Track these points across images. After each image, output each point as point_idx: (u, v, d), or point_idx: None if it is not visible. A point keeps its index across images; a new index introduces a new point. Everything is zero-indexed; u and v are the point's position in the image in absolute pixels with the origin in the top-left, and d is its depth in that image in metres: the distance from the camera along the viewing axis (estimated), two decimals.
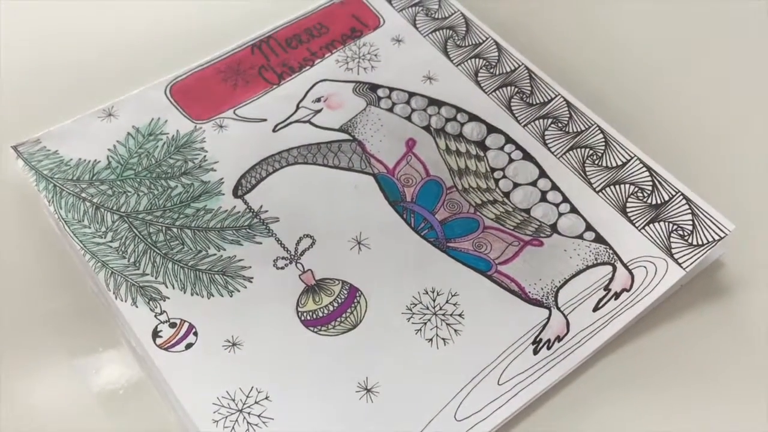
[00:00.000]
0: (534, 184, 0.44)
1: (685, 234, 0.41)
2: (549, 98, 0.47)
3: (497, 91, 0.47)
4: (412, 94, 0.47)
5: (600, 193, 0.43)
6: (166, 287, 0.40)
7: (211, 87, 0.47)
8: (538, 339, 0.39)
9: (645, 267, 0.41)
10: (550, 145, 0.45)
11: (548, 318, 0.39)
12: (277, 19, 0.50)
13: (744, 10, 0.54)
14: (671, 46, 0.52)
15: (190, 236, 0.42)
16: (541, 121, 0.46)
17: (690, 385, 0.39)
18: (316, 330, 0.39)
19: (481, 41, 0.49)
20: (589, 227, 0.42)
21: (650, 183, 0.43)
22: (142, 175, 0.44)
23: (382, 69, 0.48)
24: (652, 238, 0.41)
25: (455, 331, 0.39)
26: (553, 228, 0.42)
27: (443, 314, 0.39)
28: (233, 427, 0.36)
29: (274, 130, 0.46)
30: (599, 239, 0.42)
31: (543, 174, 0.44)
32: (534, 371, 0.38)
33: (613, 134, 0.45)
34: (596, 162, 0.44)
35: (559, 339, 0.39)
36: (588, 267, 0.41)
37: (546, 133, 0.45)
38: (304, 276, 0.41)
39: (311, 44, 0.50)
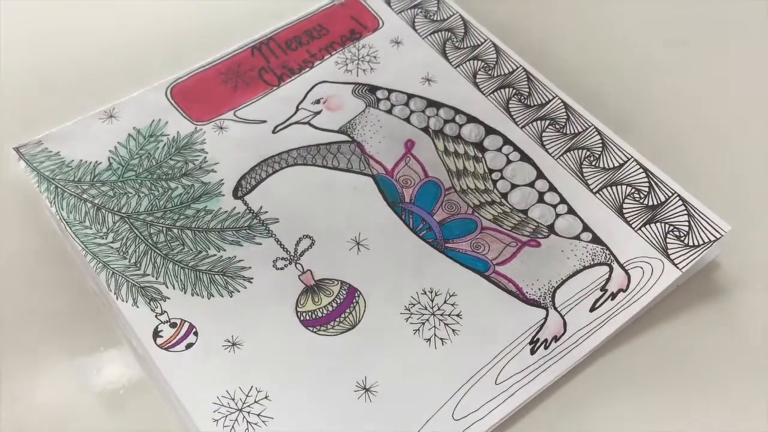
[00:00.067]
0: (532, 185, 0.44)
1: (681, 235, 0.41)
2: (547, 100, 0.47)
3: (495, 93, 0.48)
4: (411, 96, 0.48)
5: (597, 195, 0.43)
6: (167, 287, 0.40)
7: (212, 89, 0.48)
8: (535, 339, 0.39)
9: (641, 267, 0.41)
10: (547, 147, 0.45)
11: (545, 318, 0.40)
12: (277, 21, 0.51)
13: (740, 12, 0.54)
14: (668, 49, 0.52)
15: (191, 237, 0.42)
16: (538, 122, 0.46)
17: (686, 384, 0.39)
18: (315, 330, 0.39)
19: (479, 43, 0.50)
20: (586, 228, 0.42)
21: (647, 184, 0.43)
22: (142, 177, 0.44)
23: (381, 71, 0.49)
24: (649, 238, 0.42)
25: (453, 331, 0.39)
26: (551, 229, 0.42)
27: (441, 314, 0.40)
28: (233, 426, 0.36)
29: (273, 132, 0.46)
30: (596, 240, 0.42)
31: (540, 175, 0.44)
32: (531, 371, 0.38)
33: (610, 136, 0.45)
34: (593, 163, 0.44)
35: (556, 339, 0.39)
36: (585, 267, 0.41)
37: (543, 134, 0.46)
38: (303, 276, 0.41)
39: (311, 46, 0.50)
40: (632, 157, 0.44)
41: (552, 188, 0.44)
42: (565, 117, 0.46)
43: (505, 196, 0.44)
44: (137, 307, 0.39)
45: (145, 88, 0.47)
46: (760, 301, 0.41)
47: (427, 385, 0.38)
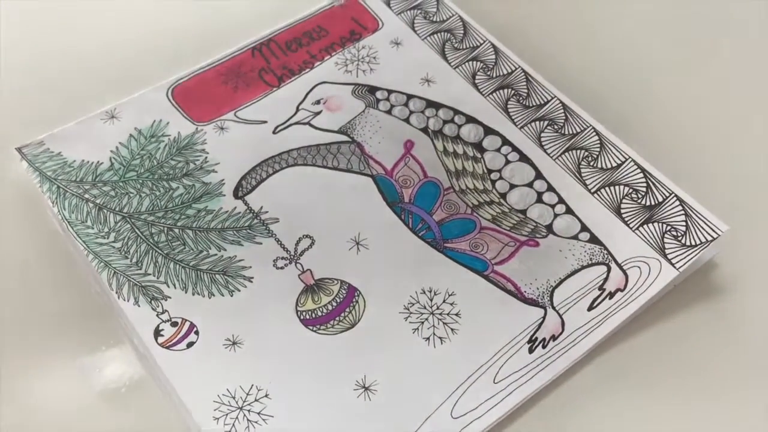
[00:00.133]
0: (530, 185, 0.44)
1: (679, 235, 0.42)
2: (545, 100, 0.47)
3: (494, 94, 0.48)
4: (410, 96, 0.48)
5: (595, 195, 0.44)
6: (168, 287, 0.40)
7: (212, 89, 0.48)
8: (533, 338, 0.39)
9: (639, 267, 0.41)
10: (546, 147, 0.45)
11: (543, 317, 0.40)
12: (278, 22, 0.51)
13: (739, 13, 0.54)
14: (666, 50, 0.52)
15: (192, 237, 0.42)
16: (537, 123, 0.46)
17: (683, 383, 0.39)
18: (315, 329, 0.39)
19: (478, 44, 0.50)
20: (584, 228, 0.43)
21: (644, 184, 0.43)
22: (144, 177, 0.44)
23: (381, 71, 0.49)
24: (646, 238, 0.42)
25: (452, 330, 0.39)
26: (549, 229, 0.43)
27: (440, 313, 0.40)
28: (234, 425, 0.36)
29: (274, 132, 0.46)
30: (594, 240, 0.42)
31: (539, 175, 0.44)
32: (529, 370, 0.38)
33: (608, 136, 0.45)
34: (591, 164, 0.45)
35: (554, 338, 0.39)
36: (583, 267, 0.41)
37: (542, 135, 0.46)
38: (303, 276, 0.41)
39: (311, 47, 0.50)
40: (630, 157, 0.44)
41: (550, 188, 0.44)
42: (564, 117, 0.46)
43: (503, 196, 0.44)
44: (138, 306, 0.40)
45: (147, 88, 0.47)
46: (757, 301, 0.42)
47: (426, 383, 0.38)
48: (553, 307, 0.40)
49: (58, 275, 0.42)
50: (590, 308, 0.40)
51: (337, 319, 0.40)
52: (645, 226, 0.42)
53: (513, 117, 0.47)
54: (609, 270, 0.41)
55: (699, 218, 0.42)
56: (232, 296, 0.40)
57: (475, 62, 0.49)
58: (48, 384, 0.39)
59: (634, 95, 0.50)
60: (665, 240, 0.41)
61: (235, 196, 0.44)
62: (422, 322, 0.40)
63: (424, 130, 0.46)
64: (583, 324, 0.40)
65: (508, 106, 0.47)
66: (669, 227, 0.42)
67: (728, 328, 0.41)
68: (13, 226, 0.44)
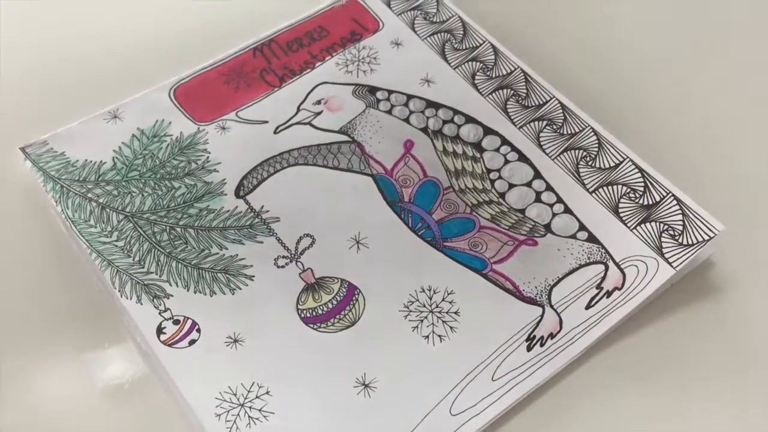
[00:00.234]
0: (529, 184, 0.45)
1: (676, 234, 0.42)
2: (544, 101, 0.47)
3: (494, 94, 0.48)
4: (410, 97, 0.48)
5: (593, 194, 0.44)
6: (170, 285, 0.41)
7: (214, 89, 0.48)
8: (531, 336, 0.40)
9: (636, 266, 0.41)
10: (544, 147, 0.46)
11: (542, 315, 0.40)
12: (279, 23, 0.51)
13: (736, 14, 0.55)
14: (663, 51, 0.52)
15: (194, 236, 0.43)
16: (536, 123, 0.47)
17: (680, 381, 0.39)
18: (315, 327, 0.40)
19: (478, 44, 0.50)
20: (582, 227, 0.43)
21: (642, 184, 0.44)
22: (146, 176, 0.44)
23: (381, 72, 0.49)
24: (644, 237, 0.42)
25: (451, 328, 0.40)
26: (547, 228, 0.43)
27: (439, 312, 0.40)
28: (235, 421, 0.37)
29: (275, 132, 0.47)
30: (592, 239, 0.42)
31: (538, 175, 0.45)
32: (527, 367, 0.39)
33: (607, 136, 0.45)
34: (590, 163, 0.45)
35: (552, 336, 0.40)
36: (581, 266, 0.42)
37: (541, 134, 0.46)
38: (304, 274, 0.41)
39: (312, 47, 0.50)
40: (628, 157, 0.45)
41: (549, 188, 0.44)
42: (562, 118, 0.47)
43: (502, 195, 0.44)
44: (141, 304, 0.40)
45: (149, 89, 0.48)
46: (754, 300, 0.42)
47: (425, 381, 0.38)
48: (551, 306, 0.40)
49: (61, 274, 0.42)
50: (588, 307, 0.40)
51: (338, 317, 0.40)
52: (642, 225, 0.42)
53: (512, 117, 0.47)
54: (607, 269, 0.41)
55: (696, 217, 0.42)
56: (233, 294, 0.40)
57: (474, 62, 0.49)
58: (51, 381, 0.39)
59: (632, 96, 0.50)
60: (662, 239, 0.42)
61: (237, 195, 0.44)
62: (421, 320, 0.40)
63: (424, 130, 0.47)
64: (580, 322, 0.40)
65: (508, 106, 0.48)
66: (666, 226, 0.42)
67: (725, 326, 0.41)
68: (17, 225, 0.44)
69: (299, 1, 0.52)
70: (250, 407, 0.37)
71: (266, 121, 0.47)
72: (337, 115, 0.47)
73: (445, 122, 0.47)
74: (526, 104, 0.47)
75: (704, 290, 0.42)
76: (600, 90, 0.50)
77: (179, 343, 0.39)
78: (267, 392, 0.38)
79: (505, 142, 0.46)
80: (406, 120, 0.47)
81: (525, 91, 0.48)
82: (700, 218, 0.42)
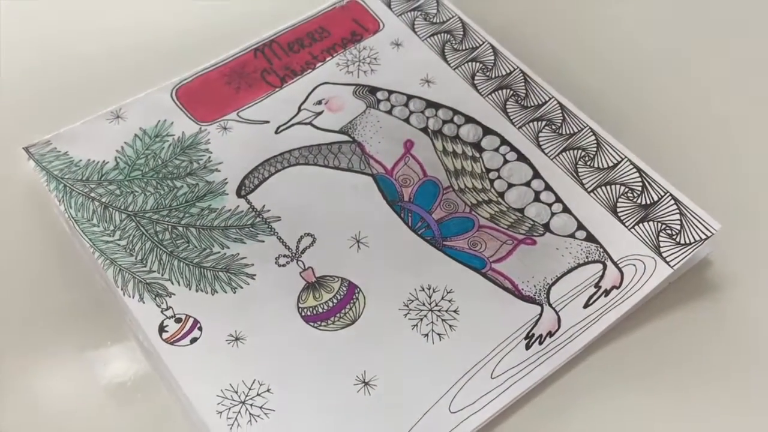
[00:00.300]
0: (528, 184, 0.45)
1: (673, 233, 0.42)
2: (543, 101, 0.48)
3: (493, 94, 0.48)
4: (410, 97, 0.48)
5: (591, 194, 0.44)
6: (172, 284, 0.41)
7: (216, 90, 0.48)
8: (530, 334, 0.40)
9: (634, 265, 0.42)
10: (543, 147, 0.46)
11: (540, 314, 0.40)
12: (280, 24, 0.51)
13: (734, 14, 0.55)
14: (661, 52, 0.53)
15: (195, 235, 0.43)
16: (535, 123, 0.47)
17: (677, 379, 0.39)
18: (316, 325, 0.40)
19: (477, 45, 0.50)
20: (580, 226, 0.43)
21: (640, 184, 0.44)
22: (148, 176, 0.45)
23: (382, 72, 0.49)
24: (642, 237, 0.42)
25: (450, 326, 0.40)
26: (546, 227, 0.43)
27: (439, 310, 0.40)
28: (236, 419, 0.37)
29: (276, 132, 0.47)
30: (590, 238, 0.43)
31: (537, 175, 0.45)
32: (526, 365, 0.39)
33: (605, 136, 0.46)
34: (588, 163, 0.45)
35: (550, 334, 0.40)
36: (579, 265, 0.42)
37: (540, 135, 0.46)
38: (304, 273, 0.42)
39: (313, 48, 0.51)
40: (626, 157, 0.45)
41: (548, 187, 0.45)
42: (561, 118, 0.47)
43: (501, 195, 0.44)
44: (143, 302, 0.40)
45: (151, 89, 0.48)
46: (752, 298, 0.42)
47: (425, 378, 0.38)
48: (550, 305, 0.41)
49: (64, 272, 0.42)
50: (586, 305, 0.41)
51: (338, 315, 0.40)
52: (640, 224, 0.43)
53: (511, 117, 0.47)
54: (605, 268, 0.42)
55: (693, 217, 0.42)
56: (234, 293, 0.41)
57: (474, 63, 0.50)
58: (54, 379, 0.40)
59: (631, 96, 0.50)
60: (660, 238, 0.42)
61: (238, 194, 0.44)
62: (421, 319, 0.40)
63: (424, 130, 0.47)
64: (579, 321, 0.40)
65: (507, 106, 0.48)
66: (664, 226, 0.42)
67: (722, 324, 0.41)
68: (21, 224, 0.44)
69: (300, 1, 0.53)
70: (251, 404, 0.37)
71: (267, 121, 0.47)
72: (337, 115, 0.48)
73: (444, 122, 0.47)
74: (526, 104, 0.48)
75: (702, 289, 0.42)
76: (599, 90, 0.50)
77: (181, 341, 0.39)
78: (268, 390, 0.38)
79: (504, 142, 0.46)
80: (406, 120, 0.47)
81: (524, 91, 0.48)
82: (697, 217, 0.42)
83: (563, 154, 0.46)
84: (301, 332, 0.40)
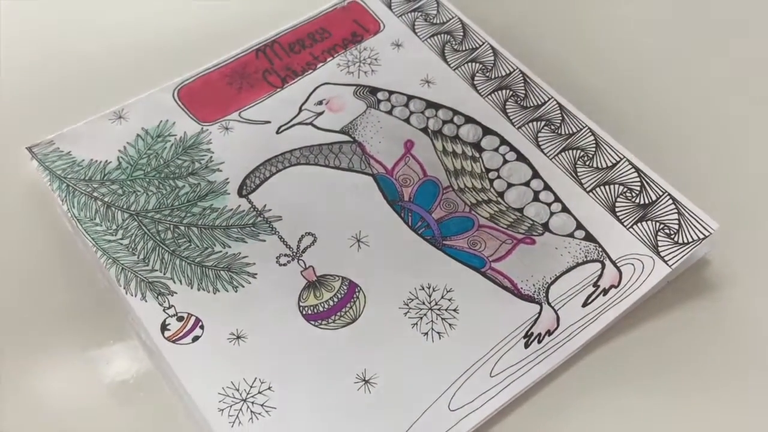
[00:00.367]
0: (527, 184, 0.45)
1: (672, 233, 0.42)
2: (542, 101, 0.48)
3: (493, 95, 0.49)
4: (410, 97, 0.49)
5: (590, 193, 0.44)
6: (174, 283, 0.41)
7: (217, 90, 0.49)
8: (529, 333, 0.40)
9: (633, 264, 0.42)
10: (543, 147, 0.46)
11: (539, 313, 0.41)
12: (281, 25, 0.51)
13: (733, 14, 0.55)
14: (659, 53, 0.53)
15: (197, 234, 0.43)
16: (534, 123, 0.47)
17: (675, 378, 0.40)
18: (316, 324, 0.40)
19: (477, 46, 0.51)
20: (579, 226, 0.43)
21: (638, 183, 0.44)
22: (151, 176, 0.45)
23: (382, 73, 0.50)
24: (640, 236, 0.43)
25: (450, 325, 0.40)
26: (545, 227, 0.43)
27: (439, 309, 0.41)
28: (237, 416, 0.37)
29: (277, 132, 0.47)
30: (589, 237, 0.43)
31: (536, 174, 0.45)
32: (525, 364, 0.39)
33: (604, 136, 0.46)
34: (587, 163, 0.45)
35: (549, 333, 0.40)
36: (578, 264, 0.42)
37: (539, 135, 0.47)
38: (305, 272, 0.42)
39: (314, 49, 0.51)
40: (625, 157, 0.45)
41: (547, 187, 0.45)
42: (560, 118, 0.47)
43: (501, 194, 0.45)
44: (146, 301, 0.40)
45: (153, 89, 0.48)
46: (749, 297, 0.42)
47: (425, 377, 0.38)
48: (549, 303, 0.41)
49: (67, 271, 0.43)
50: (585, 304, 0.41)
51: (339, 314, 0.40)
52: (639, 224, 0.43)
53: (511, 117, 0.48)
54: (603, 267, 0.42)
55: (691, 216, 0.42)
56: (236, 292, 0.41)
57: (474, 64, 0.50)
58: (57, 377, 0.40)
59: (630, 96, 0.50)
60: (658, 238, 0.42)
61: (240, 194, 0.45)
62: (421, 318, 0.40)
63: (424, 130, 0.47)
64: (577, 320, 0.40)
65: (506, 106, 0.48)
66: (662, 225, 0.43)
67: (720, 323, 0.42)
68: (24, 223, 0.44)
69: (301, 2, 0.53)
70: (252, 402, 0.38)
71: (268, 122, 0.47)
72: (338, 115, 0.48)
73: (444, 122, 0.47)
74: (525, 105, 0.48)
75: (700, 288, 0.43)
76: (598, 91, 0.50)
77: (183, 339, 0.39)
78: (269, 388, 0.38)
79: (503, 142, 0.47)
80: (407, 120, 0.48)
81: (524, 91, 0.49)
82: (695, 217, 0.42)
83: (562, 154, 0.46)
84: (301, 331, 0.40)
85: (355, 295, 0.41)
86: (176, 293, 0.41)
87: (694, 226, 0.42)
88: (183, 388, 0.38)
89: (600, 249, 0.42)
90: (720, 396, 0.39)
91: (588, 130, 0.46)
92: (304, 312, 0.41)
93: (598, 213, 0.44)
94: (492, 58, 0.50)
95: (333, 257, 0.42)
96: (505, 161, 0.46)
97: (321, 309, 0.41)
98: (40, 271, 0.43)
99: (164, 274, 0.41)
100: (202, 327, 0.40)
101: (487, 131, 0.47)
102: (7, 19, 0.53)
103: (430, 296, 0.41)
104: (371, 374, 0.39)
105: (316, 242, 0.43)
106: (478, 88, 0.49)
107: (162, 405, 0.39)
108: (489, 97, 0.48)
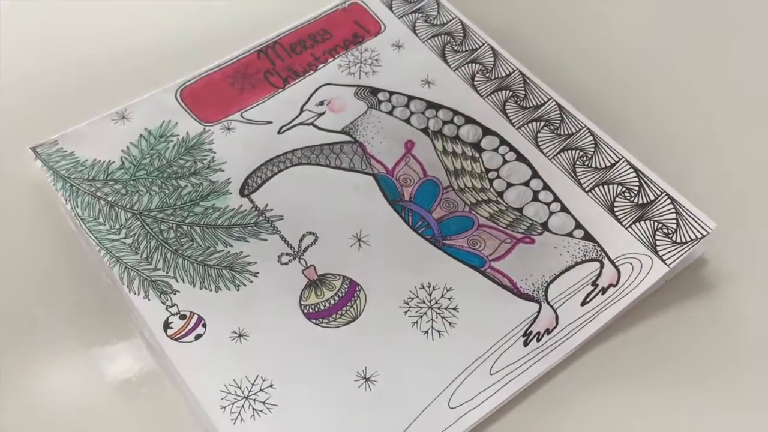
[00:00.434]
0: (527, 184, 0.45)
1: (670, 232, 0.43)
2: (542, 102, 0.48)
3: (492, 95, 0.49)
4: (411, 98, 0.49)
5: (589, 193, 0.45)
6: (177, 281, 0.41)
7: (220, 91, 0.49)
8: (528, 331, 0.40)
9: (631, 263, 0.42)
10: (542, 147, 0.46)
11: (538, 312, 0.41)
12: (283, 26, 0.52)
13: (732, 14, 0.55)
14: (660, 52, 0.53)
15: (199, 233, 0.43)
16: (534, 123, 0.47)
17: (673, 376, 0.40)
18: (318, 322, 0.40)
19: (477, 47, 0.51)
20: (578, 225, 0.44)
21: (637, 183, 0.44)
22: (153, 175, 0.45)
23: (383, 73, 0.50)
24: (638, 236, 0.43)
25: (450, 324, 0.40)
26: (544, 226, 0.44)
27: (438, 308, 0.41)
28: (239, 413, 0.37)
29: (279, 132, 0.47)
30: (588, 237, 0.43)
31: (535, 174, 0.45)
32: (524, 362, 0.39)
33: (603, 137, 0.46)
34: (586, 163, 0.46)
35: (548, 332, 0.40)
36: (577, 263, 0.42)
37: (539, 135, 0.47)
38: (306, 271, 0.42)
39: (315, 49, 0.51)
40: (623, 157, 0.45)
41: (546, 187, 0.45)
42: (560, 118, 0.47)
43: (500, 194, 0.45)
44: (148, 300, 0.41)
45: (156, 90, 0.48)
46: (747, 296, 0.42)
47: (425, 375, 0.39)
48: (548, 302, 0.41)
49: (71, 270, 0.43)
50: (583, 303, 0.41)
51: (339, 313, 0.41)
52: (637, 223, 0.43)
53: (510, 118, 0.48)
54: (602, 266, 0.42)
55: (689, 216, 0.43)
56: (238, 290, 0.41)
57: (474, 64, 0.50)
58: (60, 376, 0.40)
59: (628, 97, 0.50)
60: (656, 237, 0.42)
61: (241, 194, 0.45)
62: (421, 316, 0.41)
63: (425, 130, 0.47)
64: (576, 318, 0.41)
65: (506, 107, 0.48)
66: (660, 225, 0.43)
67: (718, 322, 0.42)
68: (28, 223, 0.44)
69: (302, 4, 0.53)
70: (254, 400, 0.38)
71: (270, 122, 0.48)
72: (339, 115, 0.48)
73: (445, 123, 0.48)
74: (525, 105, 0.48)
75: (698, 287, 0.43)
76: (597, 91, 0.50)
77: (185, 337, 0.40)
78: (271, 385, 0.38)
79: (503, 142, 0.47)
80: (407, 121, 0.48)
81: (523, 92, 0.49)
82: (693, 217, 0.43)
83: (561, 154, 0.46)
84: (303, 329, 0.40)
85: (355, 294, 0.41)
86: (179, 292, 0.41)
87: (692, 225, 0.42)
88: (185, 385, 0.38)
89: (599, 248, 0.43)
90: (716, 392, 0.40)
91: (587, 131, 0.47)
92: (305, 310, 0.41)
93: (597, 213, 0.44)
94: (492, 58, 0.50)
95: (334, 256, 0.43)
96: (505, 161, 0.46)
97: (322, 307, 0.41)
98: (44, 270, 0.43)
99: (167, 272, 0.42)
100: (204, 325, 0.40)
101: (487, 131, 0.47)
102: (11, 20, 0.54)
103: (430, 295, 0.41)
104: (372, 372, 0.39)
105: (318, 241, 0.43)
106: (478, 88, 0.49)
107: (164, 402, 0.39)
108: (489, 97, 0.49)
